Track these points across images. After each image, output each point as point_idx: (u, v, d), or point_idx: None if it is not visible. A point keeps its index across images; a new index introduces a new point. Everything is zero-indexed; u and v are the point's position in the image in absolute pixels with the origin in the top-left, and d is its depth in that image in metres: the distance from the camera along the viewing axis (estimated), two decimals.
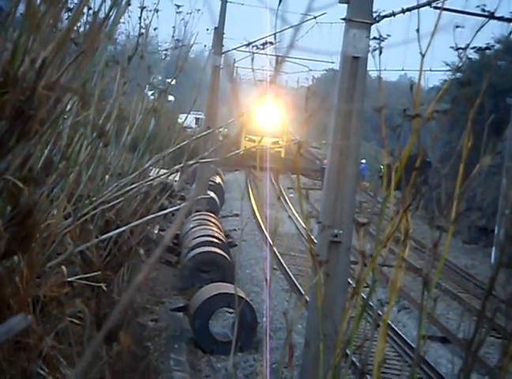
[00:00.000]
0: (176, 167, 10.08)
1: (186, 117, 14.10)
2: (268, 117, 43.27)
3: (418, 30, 3.04)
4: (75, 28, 5.37)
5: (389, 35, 3.29)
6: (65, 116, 6.76)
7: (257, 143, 37.72)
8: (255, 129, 45.89)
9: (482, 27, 3.06)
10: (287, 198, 39.02)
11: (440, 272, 3.14)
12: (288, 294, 21.46)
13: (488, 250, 32.37)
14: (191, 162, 9.94)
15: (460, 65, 3.69)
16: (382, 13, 11.96)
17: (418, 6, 8.41)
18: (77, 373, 1.77)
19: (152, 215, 9.63)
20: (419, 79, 3.11)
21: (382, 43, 3.30)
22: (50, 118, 5.28)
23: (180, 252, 22.82)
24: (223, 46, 29.93)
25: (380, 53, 3.30)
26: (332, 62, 51.77)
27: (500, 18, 12.54)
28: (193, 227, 23.62)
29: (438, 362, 17.01)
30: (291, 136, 50.28)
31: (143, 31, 11.24)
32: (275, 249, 25.23)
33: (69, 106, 6.47)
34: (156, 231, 13.71)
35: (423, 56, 3.07)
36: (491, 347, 17.13)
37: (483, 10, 5.71)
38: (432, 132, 3.20)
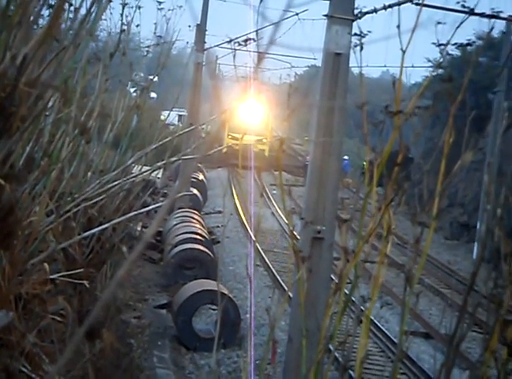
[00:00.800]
0: (159, 164, 10.08)
1: (169, 114, 14.08)
2: (251, 114, 42.75)
3: (399, 26, 3.05)
4: (56, 24, 5.34)
5: (370, 32, 3.30)
6: (47, 113, 6.74)
7: (240, 141, 37.53)
8: (238, 127, 44.61)
9: (462, 23, 3.07)
10: (270, 195, 38.97)
11: (422, 268, 3.15)
12: (271, 290, 21.48)
13: (470, 246, 32.52)
14: (174, 159, 9.92)
15: (441, 61, 3.70)
16: (364, 10, 11.99)
17: (399, 3, 8.45)
18: (59, 370, 1.77)
19: (135, 212, 9.62)
20: (400, 75, 3.12)
21: (364, 40, 3.31)
22: (31, 114, 5.26)
23: (163, 249, 22.80)
24: (205, 42, 29.90)
25: (361, 49, 3.31)
26: (314, 59, 51.48)
27: (480, 14, 12.58)
28: (176, 224, 23.61)
29: (420, 358, 17.07)
30: (274, 133, 50.13)
31: (125, 27, 11.20)
32: (258, 245, 25.25)
33: (50, 103, 6.45)
34: (138, 228, 13.69)
35: (403, 52, 3.08)
36: (473, 341, 17.22)
37: (463, 6, 5.74)
38: (414, 128, 3.21)
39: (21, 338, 6.04)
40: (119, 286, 10.33)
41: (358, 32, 3.33)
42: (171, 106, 13.83)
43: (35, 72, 5.09)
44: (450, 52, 36.50)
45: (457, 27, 3.05)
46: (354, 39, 3.40)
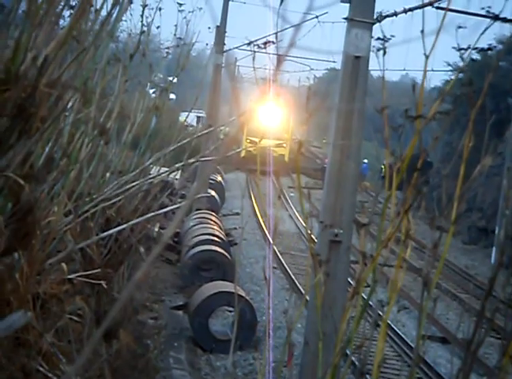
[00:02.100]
0: (177, 166, 10.09)
1: (188, 115, 14.10)
2: (271, 117, 41.82)
3: (422, 31, 3.03)
4: (77, 25, 5.37)
5: (393, 36, 3.28)
6: (67, 113, 6.76)
7: (259, 145, 37.09)
8: (257, 131, 42.75)
9: (487, 29, 3.06)
10: (287, 197, 38.92)
11: (440, 273, 3.14)
12: (288, 293, 21.46)
13: (488, 251, 32.39)
14: (192, 160, 9.93)
15: (463, 65, 3.69)
16: (384, 13, 11.96)
17: (420, 6, 8.42)
18: (76, 370, 1.78)
19: (153, 213, 9.62)
20: (423, 80, 3.12)
21: (386, 44, 3.30)
22: (51, 115, 5.28)
23: (180, 250, 22.83)
24: (224, 44, 29.96)
25: (384, 53, 3.30)
26: (333, 62, 51.32)
27: (502, 19, 12.53)
28: (193, 226, 23.64)
29: (437, 362, 17.02)
30: (294, 137, 49.81)
31: (145, 29, 11.23)
32: (275, 248, 25.24)
33: (70, 104, 6.47)
34: (156, 229, 13.70)
35: (427, 57, 3.07)
36: (490, 347, 17.14)
37: (488, 12, 5.72)
38: (433, 132, 3.20)
39: (39, 337, 6.07)
40: (137, 287, 10.35)
41: (381, 36, 3.32)
42: (190, 107, 13.83)
43: (56, 73, 5.11)
44: (471, 56, 36.35)
45: (482, 33, 3.04)
46: (375, 43, 3.39)
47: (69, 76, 5.40)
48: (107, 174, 9.84)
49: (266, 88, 3.46)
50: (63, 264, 6.99)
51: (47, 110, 5.04)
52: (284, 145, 47.76)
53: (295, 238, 30.36)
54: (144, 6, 11.18)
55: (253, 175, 43.21)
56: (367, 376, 3.99)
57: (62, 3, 5.23)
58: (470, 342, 2.90)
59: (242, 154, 47.62)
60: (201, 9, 14.03)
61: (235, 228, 29.91)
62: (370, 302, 3.21)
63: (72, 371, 2.51)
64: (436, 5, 10.72)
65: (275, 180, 41.37)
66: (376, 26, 11.62)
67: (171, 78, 13.16)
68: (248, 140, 44.74)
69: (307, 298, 6.45)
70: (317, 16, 27.18)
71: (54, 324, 6.53)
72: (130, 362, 9.69)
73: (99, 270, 7.80)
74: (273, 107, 44.15)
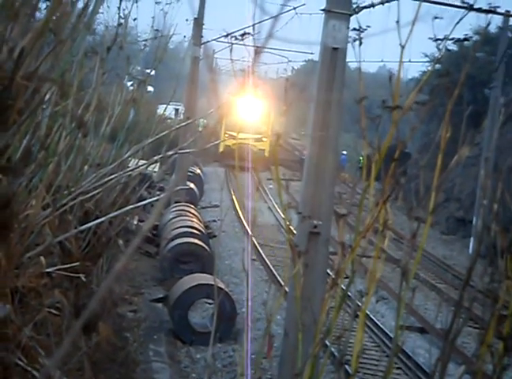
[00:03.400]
0: (155, 158, 10.07)
1: (166, 108, 14.07)
2: (250, 110, 40.84)
3: (398, 21, 3.04)
4: (53, 17, 5.34)
5: (368, 27, 3.29)
6: (44, 106, 6.73)
7: (237, 140, 36.58)
8: (236, 125, 41.81)
9: (461, 19, 3.07)
10: (266, 189, 38.88)
11: (418, 263, 3.15)
12: (267, 284, 21.49)
13: (466, 241, 32.56)
14: (170, 152, 9.91)
15: (439, 56, 3.70)
16: (362, 4, 11.98)
17: None
18: (55, 363, 1.78)
19: (132, 206, 9.61)
20: (399, 70, 3.12)
21: (362, 34, 3.31)
22: (28, 108, 5.25)
23: (159, 243, 22.80)
24: (202, 37, 29.85)
25: (360, 44, 3.30)
26: (311, 53, 51.11)
27: (478, 9, 12.58)
28: (172, 218, 23.61)
29: (415, 352, 17.10)
30: (273, 130, 49.02)
31: (122, 21, 11.18)
32: (254, 240, 25.25)
33: (47, 97, 6.44)
34: (135, 222, 13.68)
35: (403, 47, 3.08)
36: (468, 336, 17.26)
37: (462, 2, 5.72)
38: (411, 123, 3.21)
39: (17, 331, 6.05)
40: (116, 280, 10.33)
41: (357, 27, 3.33)
42: (168, 100, 13.80)
43: (33, 65, 5.08)
44: (448, 47, 36.47)
45: (457, 23, 3.06)
46: (352, 34, 3.40)
47: (46, 68, 5.38)
48: (86, 167, 9.81)
49: (244, 80, 3.46)
50: (42, 258, 6.97)
51: (23, 102, 5.01)
52: (264, 139, 46.14)
53: (274, 230, 30.39)
54: None
55: (232, 170, 42.79)
56: (346, 366, 4.01)
57: None
58: (448, 331, 2.92)
59: (221, 149, 47.22)
60: (178, 0, 14.00)
61: (214, 220, 29.91)
62: (349, 293, 3.22)
63: (51, 364, 2.50)
64: None
65: (254, 176, 41.27)
66: (354, 17, 11.64)
67: (148, 71, 13.12)
68: (226, 135, 43.16)
69: (286, 289, 6.46)
70: (294, 8, 27.19)
71: (33, 317, 6.51)
72: (110, 354, 9.69)
73: (77, 263, 7.78)
74: (252, 100, 42.89)
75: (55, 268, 7.44)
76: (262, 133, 46.33)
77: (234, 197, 36.12)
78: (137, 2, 11.70)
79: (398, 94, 3.07)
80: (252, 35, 4.61)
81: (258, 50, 2.29)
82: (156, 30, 13.73)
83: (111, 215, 8.95)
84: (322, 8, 11.68)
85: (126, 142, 11.04)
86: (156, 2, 13.54)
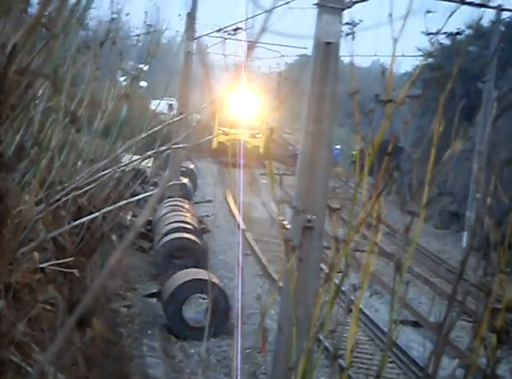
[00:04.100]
0: (149, 153, 10.06)
1: (159, 103, 14.05)
2: (243, 106, 40.19)
3: (391, 15, 3.04)
4: (46, 13, 5.32)
5: (361, 21, 3.29)
6: (37, 101, 6.72)
7: (231, 136, 36.15)
8: (230, 120, 40.21)
9: (453, 12, 3.07)
10: (260, 184, 38.82)
11: (412, 257, 3.16)
12: (261, 279, 21.49)
13: (460, 235, 32.61)
14: (164, 148, 9.91)
15: (432, 50, 3.70)
16: None
17: None
18: (49, 359, 1.77)
19: (125, 201, 9.60)
20: (392, 64, 3.12)
21: (355, 29, 3.30)
22: (21, 103, 5.24)
23: (153, 238, 22.79)
24: (195, 31, 29.79)
25: (353, 38, 3.30)
26: (304, 48, 50.87)
27: (470, 3, 12.59)
28: (165, 213, 23.59)
29: (409, 346, 17.14)
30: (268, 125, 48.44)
31: (115, 16, 11.17)
32: (248, 235, 25.28)
33: (40, 92, 6.43)
34: (128, 217, 13.67)
35: (395, 41, 3.08)
36: (462, 330, 17.28)
37: None
38: (404, 117, 3.21)
39: (11, 327, 6.04)
40: (109, 275, 10.33)
41: (349, 21, 3.33)
42: (161, 95, 13.79)
43: (25, 60, 5.07)
44: (440, 41, 36.50)
45: (449, 16, 3.06)
46: (345, 28, 3.39)
47: (39, 63, 5.36)
48: (79, 163, 9.80)
49: (237, 74, 3.46)
50: (35, 253, 6.96)
51: (16, 98, 5.00)
52: (259, 136, 45.30)
53: (268, 225, 30.38)
54: None
55: (225, 167, 42.07)
56: (340, 360, 4.01)
57: None
58: (442, 325, 2.93)
59: (214, 145, 46.77)
60: None
61: (208, 215, 29.89)
62: (343, 287, 3.23)
63: (45, 360, 2.50)
64: None
65: (248, 171, 40.96)
66: (347, 12, 11.62)
67: (141, 66, 13.11)
68: (220, 131, 41.34)
69: (280, 284, 6.47)
70: (287, 2, 27.10)
71: (27, 313, 6.51)
72: (104, 350, 9.68)
73: (71, 259, 7.77)
74: (246, 95, 41.10)
75: (49, 263, 7.44)
76: (256, 129, 45.33)
77: (227, 192, 36.07)
78: None
79: (391, 88, 3.07)
80: (245, 29, 4.61)
81: (251, 45, 2.29)
82: (149, 25, 13.71)
83: (104, 210, 8.94)
84: (315, 2, 11.67)
85: (120, 137, 11.03)
86: None
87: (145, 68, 12.79)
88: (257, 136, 45.57)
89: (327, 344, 4.15)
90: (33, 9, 5.66)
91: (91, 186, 8.76)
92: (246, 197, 20.21)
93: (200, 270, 17.73)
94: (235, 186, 27.99)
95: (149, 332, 16.10)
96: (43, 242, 7.43)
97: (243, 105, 39.28)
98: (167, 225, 22.00)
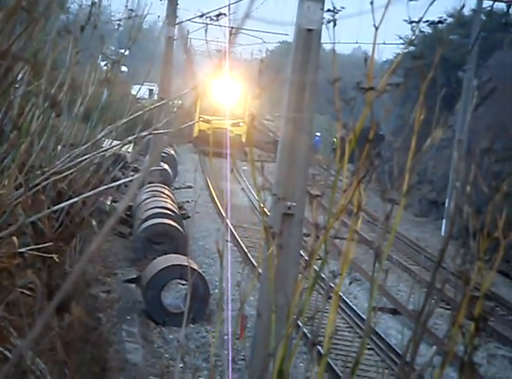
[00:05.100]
0: (129, 138, 10.02)
1: (140, 88, 13.99)
2: (225, 93, 39.18)
3: (372, 2, 3.04)
4: None
5: (343, 8, 3.29)
6: (17, 85, 6.68)
7: (212, 124, 35.72)
8: (211, 108, 38.64)
9: (434, 1, 3.07)
10: (240, 171, 38.78)
11: (391, 245, 3.17)
12: (241, 265, 21.53)
13: (439, 223, 32.78)
14: (144, 133, 9.88)
15: (413, 38, 3.71)
16: None
17: None
18: (28, 344, 1.77)
19: (105, 187, 9.57)
20: (373, 51, 3.12)
21: (336, 16, 3.30)
22: (0, 87, 5.21)
23: (133, 223, 22.77)
24: (177, 17, 29.69)
25: (334, 25, 3.30)
26: (286, 34, 50.79)
27: None
28: (146, 199, 23.56)
29: (388, 333, 17.24)
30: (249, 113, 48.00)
31: (96, 0, 11.09)
32: (228, 221, 25.28)
33: (20, 76, 6.39)
34: (108, 203, 13.64)
35: (376, 28, 3.08)
36: (440, 317, 17.40)
37: None
38: (385, 105, 3.22)
39: None
40: (89, 260, 10.31)
41: (331, 8, 3.32)
42: (142, 80, 13.73)
43: (5, 44, 5.03)
44: (422, 29, 36.61)
45: (430, 4, 3.06)
46: (326, 15, 3.39)
47: (19, 47, 5.33)
48: (59, 147, 9.75)
49: (219, 61, 3.45)
50: (14, 238, 6.94)
51: None
52: (241, 124, 44.57)
53: (248, 212, 30.41)
54: None
55: (207, 156, 41.48)
56: (319, 347, 4.02)
57: None
58: (420, 313, 2.94)
59: (195, 134, 46.42)
60: None
61: (188, 201, 29.88)
62: (322, 274, 3.23)
63: (23, 345, 2.50)
64: None
65: (231, 163, 40.57)
66: None
67: (122, 50, 13.04)
68: (201, 119, 39.85)
69: (260, 270, 6.48)
70: None
71: (5, 297, 6.49)
72: (83, 335, 9.67)
73: (50, 243, 7.75)
74: (227, 82, 40.40)
75: (28, 248, 7.41)
76: (239, 117, 44.57)
77: (208, 178, 36.01)
78: None
79: (372, 76, 3.07)
80: (227, 15, 4.60)
81: (233, 31, 2.28)
82: (130, 9, 13.63)
83: (84, 195, 8.91)
84: None
85: (100, 122, 10.98)
86: None
87: (126, 53, 12.73)
88: (239, 124, 44.89)
89: (306, 331, 4.16)
90: None
91: (71, 171, 8.72)
92: (226, 183, 20.17)
93: (179, 256, 17.73)
94: (217, 173, 27.94)
95: (128, 317, 16.09)
96: (22, 227, 7.40)
97: (225, 92, 38.85)
98: (147, 211, 21.98)
